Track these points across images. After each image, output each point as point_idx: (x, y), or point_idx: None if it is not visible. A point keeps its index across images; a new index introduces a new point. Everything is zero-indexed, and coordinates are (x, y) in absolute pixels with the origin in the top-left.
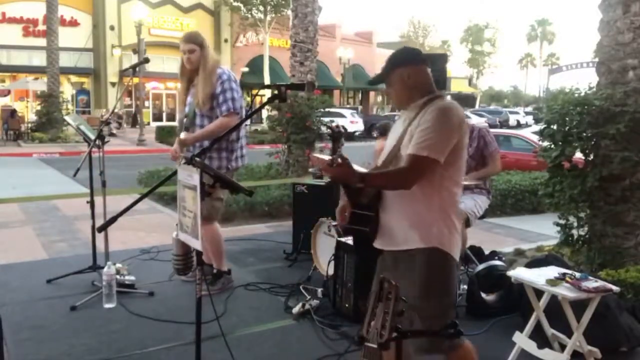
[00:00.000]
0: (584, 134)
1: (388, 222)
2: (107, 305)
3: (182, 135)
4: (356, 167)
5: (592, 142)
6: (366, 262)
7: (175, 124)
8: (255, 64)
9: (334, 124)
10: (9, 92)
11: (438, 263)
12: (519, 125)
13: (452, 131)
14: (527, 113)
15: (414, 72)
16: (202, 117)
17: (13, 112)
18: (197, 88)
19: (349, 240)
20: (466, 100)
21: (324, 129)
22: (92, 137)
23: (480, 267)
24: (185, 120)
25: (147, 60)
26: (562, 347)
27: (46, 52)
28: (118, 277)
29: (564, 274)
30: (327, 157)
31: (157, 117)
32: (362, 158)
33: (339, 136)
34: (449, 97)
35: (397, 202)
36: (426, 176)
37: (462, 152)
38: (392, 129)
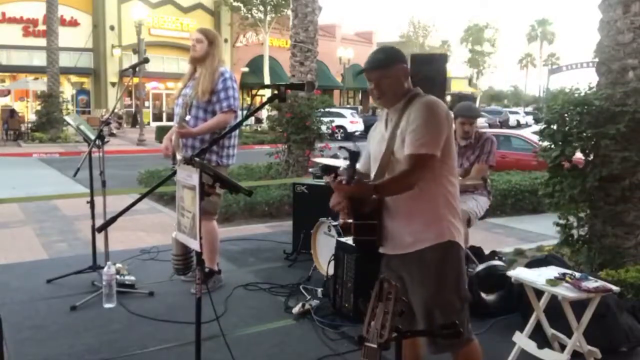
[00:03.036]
0: (584, 134)
1: (395, 228)
2: (107, 305)
3: (181, 126)
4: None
5: (592, 142)
6: (365, 262)
7: (174, 124)
8: (255, 64)
9: (351, 144)
10: (9, 92)
11: (453, 256)
12: (519, 125)
13: (442, 124)
14: (527, 113)
15: (407, 73)
16: (198, 109)
17: (13, 112)
18: (198, 80)
19: (349, 240)
20: (466, 100)
21: (340, 152)
22: (92, 137)
23: (480, 267)
24: (180, 111)
25: (147, 60)
26: (562, 347)
27: (46, 52)
28: (118, 277)
29: (564, 274)
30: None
31: (157, 117)
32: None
33: (356, 157)
34: (448, 98)
35: (404, 207)
36: (427, 174)
37: (452, 143)
38: (371, 133)
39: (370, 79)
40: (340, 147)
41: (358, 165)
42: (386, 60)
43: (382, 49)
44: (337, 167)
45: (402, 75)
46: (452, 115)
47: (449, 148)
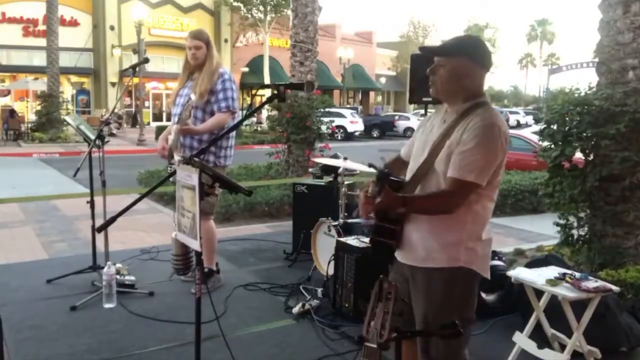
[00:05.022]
0: (584, 134)
1: (411, 236)
2: (107, 305)
3: (179, 126)
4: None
5: (592, 142)
6: (365, 262)
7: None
8: (255, 64)
9: (381, 161)
10: (9, 92)
11: (462, 280)
12: (519, 125)
13: (497, 152)
14: (527, 113)
15: (474, 72)
16: (196, 109)
17: (13, 112)
18: (197, 81)
19: (349, 240)
20: None
21: (370, 169)
22: (92, 137)
23: None
24: (179, 112)
25: (147, 60)
26: (562, 347)
27: (46, 52)
28: (118, 277)
29: (564, 274)
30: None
31: (157, 117)
32: (361, 157)
33: (385, 177)
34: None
35: (426, 219)
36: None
37: (501, 170)
38: (423, 122)
39: (432, 63)
40: (370, 165)
41: (402, 153)
42: (448, 48)
43: (458, 37)
44: (337, 168)
45: (462, 72)
46: (509, 137)
47: (498, 171)
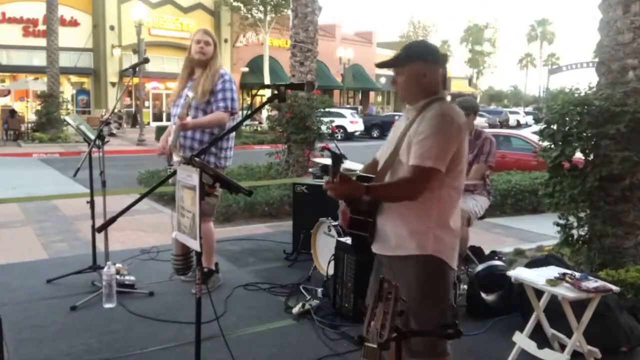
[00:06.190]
0: (584, 134)
1: (384, 227)
2: (107, 305)
3: (179, 120)
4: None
5: (592, 142)
6: (365, 262)
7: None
8: (255, 64)
9: (333, 145)
10: (9, 92)
11: (433, 271)
12: (519, 125)
13: (452, 139)
14: (527, 113)
15: (430, 71)
16: (197, 110)
17: (13, 112)
18: (198, 81)
19: (349, 240)
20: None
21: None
22: (92, 137)
23: (480, 267)
24: (179, 111)
25: (147, 60)
26: (562, 347)
27: (46, 52)
28: (118, 277)
29: (564, 274)
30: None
31: (157, 117)
32: (361, 157)
33: (339, 159)
34: (449, 98)
35: (395, 208)
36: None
37: (461, 158)
38: (393, 128)
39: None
40: (323, 148)
41: (377, 155)
42: (401, 58)
43: (408, 45)
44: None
45: (417, 75)
46: (465, 126)
47: (455, 162)
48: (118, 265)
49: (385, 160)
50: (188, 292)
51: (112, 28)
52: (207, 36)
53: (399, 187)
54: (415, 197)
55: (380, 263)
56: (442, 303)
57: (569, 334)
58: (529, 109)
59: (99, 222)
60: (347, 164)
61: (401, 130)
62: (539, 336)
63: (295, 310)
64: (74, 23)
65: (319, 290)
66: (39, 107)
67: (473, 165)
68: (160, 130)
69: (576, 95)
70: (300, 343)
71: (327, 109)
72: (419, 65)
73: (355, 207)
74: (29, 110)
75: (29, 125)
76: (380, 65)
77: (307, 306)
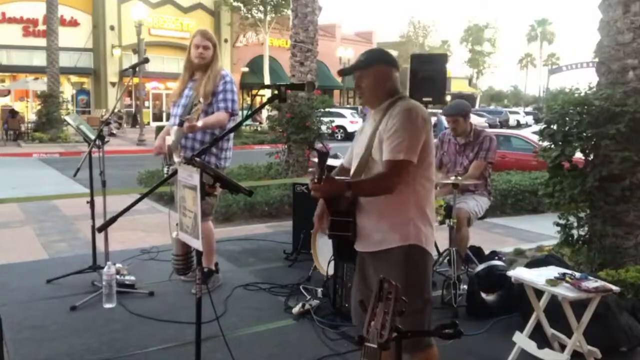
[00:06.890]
0: (584, 134)
1: (365, 225)
2: (107, 305)
3: (185, 125)
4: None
5: (592, 142)
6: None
7: (172, 124)
8: (255, 64)
9: (319, 146)
10: (9, 92)
11: (417, 259)
12: (519, 125)
13: (420, 131)
14: (527, 113)
15: (391, 74)
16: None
17: (13, 112)
18: (199, 82)
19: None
20: (467, 100)
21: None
22: (92, 137)
23: (480, 267)
24: (180, 112)
25: (147, 60)
26: (562, 347)
27: (46, 52)
28: (118, 277)
29: (564, 274)
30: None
31: (157, 117)
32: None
33: (325, 157)
34: (449, 98)
35: (373, 205)
36: (404, 178)
37: (430, 149)
38: (359, 130)
39: (354, 79)
40: (311, 149)
41: (343, 161)
42: (365, 61)
43: (367, 50)
44: (335, 167)
45: (382, 77)
46: (430, 119)
47: (424, 153)
48: (118, 265)
49: (358, 161)
50: (188, 292)
51: (112, 28)
52: (205, 40)
53: (376, 181)
54: (392, 190)
55: (363, 260)
56: (425, 290)
57: (569, 334)
58: (529, 109)
59: (99, 222)
60: (330, 162)
61: (370, 131)
62: (539, 336)
63: (295, 310)
64: (74, 23)
65: (319, 290)
66: (39, 107)
67: (473, 162)
68: (160, 130)
69: (576, 95)
70: (300, 343)
71: (327, 109)
72: (382, 67)
73: (335, 208)
74: (29, 110)
75: (29, 125)
76: (344, 71)
77: (307, 306)
